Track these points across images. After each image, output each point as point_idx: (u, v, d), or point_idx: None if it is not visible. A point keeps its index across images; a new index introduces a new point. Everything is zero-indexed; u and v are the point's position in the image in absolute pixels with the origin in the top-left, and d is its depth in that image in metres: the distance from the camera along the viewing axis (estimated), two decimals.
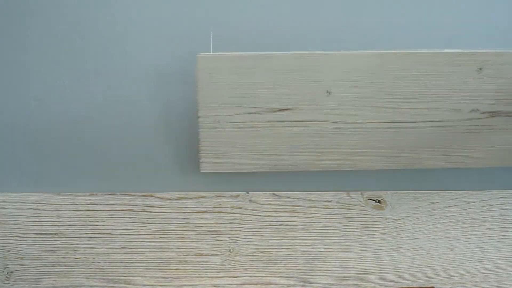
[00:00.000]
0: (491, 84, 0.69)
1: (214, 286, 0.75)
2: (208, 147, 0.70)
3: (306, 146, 0.71)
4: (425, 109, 0.70)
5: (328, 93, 0.68)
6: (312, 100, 0.69)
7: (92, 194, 0.75)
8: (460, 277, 0.76)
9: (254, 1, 0.76)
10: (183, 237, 0.75)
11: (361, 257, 0.76)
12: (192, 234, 0.75)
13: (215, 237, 0.75)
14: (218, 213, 0.75)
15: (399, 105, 0.69)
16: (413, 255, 0.76)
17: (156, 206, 0.75)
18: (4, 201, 0.74)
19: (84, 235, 0.75)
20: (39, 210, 0.74)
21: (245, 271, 0.75)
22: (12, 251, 0.74)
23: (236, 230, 0.75)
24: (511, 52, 0.68)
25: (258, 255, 0.75)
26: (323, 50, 0.68)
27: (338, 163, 0.72)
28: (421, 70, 0.68)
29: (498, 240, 0.77)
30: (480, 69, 0.68)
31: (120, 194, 0.75)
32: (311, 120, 0.69)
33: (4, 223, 0.74)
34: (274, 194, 0.76)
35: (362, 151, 0.72)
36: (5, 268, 0.74)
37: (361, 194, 0.76)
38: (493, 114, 0.70)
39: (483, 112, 0.70)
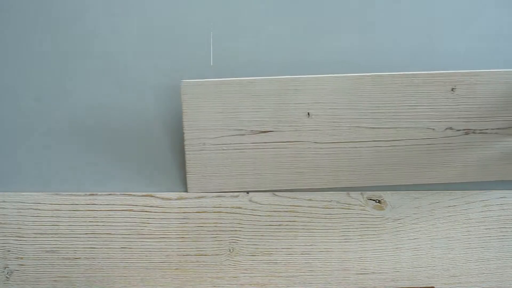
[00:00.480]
0: (464, 103, 0.74)
1: (214, 286, 0.75)
2: (194, 169, 0.74)
3: (288, 165, 0.74)
4: (402, 128, 0.74)
5: (309, 115, 0.72)
6: (293, 122, 0.73)
7: (92, 194, 0.75)
8: (460, 277, 0.76)
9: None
10: (183, 237, 0.75)
11: (361, 257, 0.76)
12: (192, 234, 0.75)
13: (215, 237, 0.75)
14: (218, 213, 0.75)
15: (377, 125, 0.74)
16: (413, 255, 0.76)
17: (156, 206, 0.75)
18: (4, 201, 0.74)
19: (84, 235, 0.75)
20: (39, 210, 0.74)
21: (245, 271, 0.75)
22: (12, 251, 0.74)
23: (236, 230, 0.75)
24: (482, 73, 0.73)
25: (258, 255, 0.75)
26: (307, 74, 0.73)
27: (319, 181, 0.75)
28: (397, 91, 0.73)
29: (498, 240, 0.77)
30: (453, 89, 0.73)
31: (120, 194, 0.75)
32: (292, 141, 0.74)
33: (4, 223, 0.74)
34: (274, 194, 0.75)
35: (342, 169, 0.75)
36: (5, 268, 0.74)
37: (361, 194, 0.76)
38: (467, 132, 0.75)
39: (458, 130, 0.75)
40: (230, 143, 0.73)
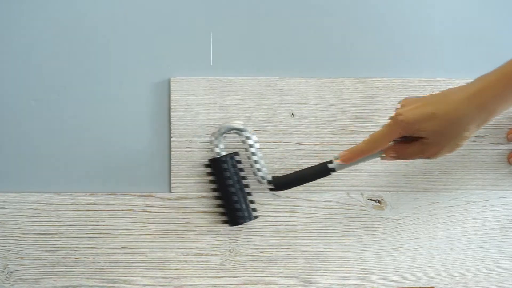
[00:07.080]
0: None
1: (214, 286, 0.75)
2: (179, 167, 0.74)
3: (273, 166, 0.75)
4: None
5: (293, 115, 0.74)
6: (278, 121, 0.75)
7: (92, 194, 0.75)
8: (460, 277, 0.76)
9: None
10: (183, 237, 0.75)
11: (361, 257, 0.76)
12: (192, 234, 0.75)
13: (215, 237, 0.75)
14: (218, 213, 0.75)
15: (359, 128, 0.75)
16: (413, 255, 0.76)
17: (156, 206, 0.75)
18: (4, 201, 0.74)
19: (84, 235, 0.75)
20: (39, 210, 0.74)
21: (245, 271, 0.75)
22: (12, 251, 0.75)
23: (236, 230, 0.75)
24: (458, 81, 0.74)
25: (258, 255, 0.76)
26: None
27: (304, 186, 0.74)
28: (378, 95, 0.75)
29: (498, 240, 0.77)
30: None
31: (120, 194, 0.75)
32: (277, 142, 0.75)
33: (4, 223, 0.75)
34: (274, 194, 0.76)
35: None
36: (5, 268, 0.74)
37: (361, 194, 0.76)
38: None
39: None
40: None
